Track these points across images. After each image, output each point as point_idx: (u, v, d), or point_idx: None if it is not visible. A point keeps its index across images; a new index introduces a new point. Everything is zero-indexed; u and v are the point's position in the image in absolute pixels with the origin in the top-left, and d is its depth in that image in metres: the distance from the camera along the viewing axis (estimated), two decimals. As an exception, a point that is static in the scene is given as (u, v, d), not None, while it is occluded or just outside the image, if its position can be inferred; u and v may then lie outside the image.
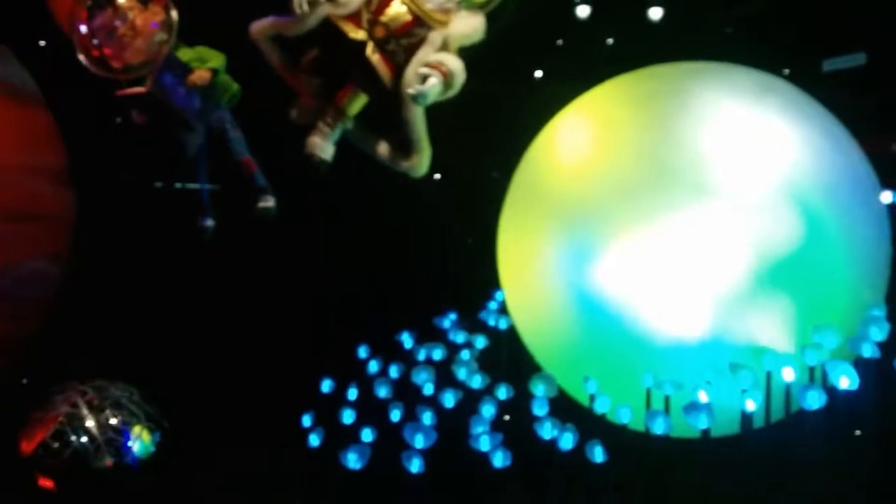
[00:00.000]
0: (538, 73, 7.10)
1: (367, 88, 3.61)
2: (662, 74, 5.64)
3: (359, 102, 3.64)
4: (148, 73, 4.13)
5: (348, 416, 5.84)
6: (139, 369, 5.84)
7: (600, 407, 5.22)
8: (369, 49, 3.56)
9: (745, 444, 4.84)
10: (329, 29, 3.59)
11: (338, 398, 6.02)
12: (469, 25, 3.50)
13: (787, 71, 6.09)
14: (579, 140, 5.71)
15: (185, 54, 4.32)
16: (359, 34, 3.58)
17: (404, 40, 3.53)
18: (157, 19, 4.11)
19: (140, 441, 5.49)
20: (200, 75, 4.24)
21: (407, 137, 3.56)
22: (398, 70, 3.53)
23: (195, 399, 5.97)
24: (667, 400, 5.01)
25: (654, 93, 5.48)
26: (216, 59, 4.35)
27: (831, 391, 4.68)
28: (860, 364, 4.76)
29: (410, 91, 3.45)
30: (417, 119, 3.54)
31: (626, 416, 5.12)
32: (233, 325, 6.39)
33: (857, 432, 4.76)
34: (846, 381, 4.62)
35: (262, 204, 4.46)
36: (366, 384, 6.03)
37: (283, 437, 5.88)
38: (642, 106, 5.46)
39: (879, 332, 4.80)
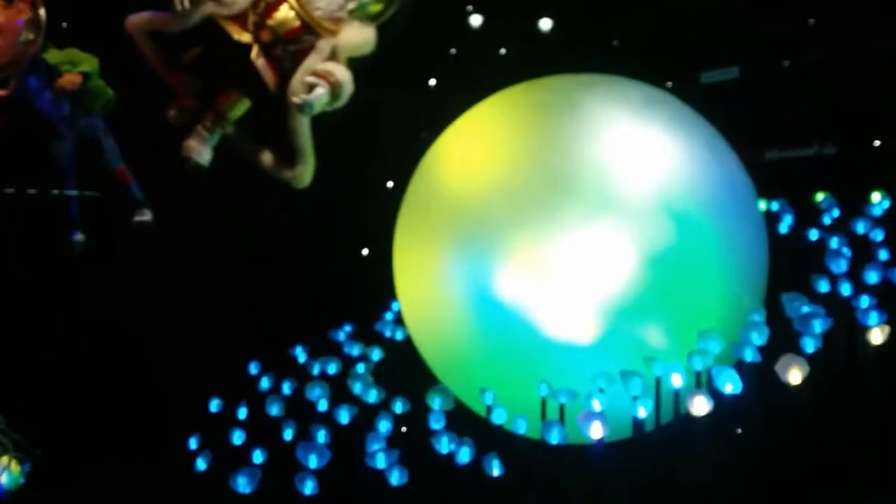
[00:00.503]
0: (432, 82, 7.09)
1: (251, 93, 3.45)
2: (555, 85, 5.72)
3: (241, 107, 3.47)
4: (11, 76, 3.83)
5: (238, 437, 5.60)
6: (6, 394, 5.39)
7: (497, 418, 5.20)
8: (254, 53, 3.41)
9: (638, 448, 4.93)
10: (212, 29, 3.41)
11: (227, 418, 5.77)
12: (359, 36, 3.41)
13: (669, 84, 6.33)
14: (474, 149, 5.72)
15: (53, 56, 4.02)
16: (244, 36, 3.42)
17: (291, 46, 3.40)
18: (22, 17, 3.81)
19: (8, 472, 5.08)
20: (70, 79, 3.97)
21: (291, 146, 3.43)
22: (284, 77, 3.40)
23: (70, 423, 5.59)
24: (562, 409, 5.04)
25: (546, 103, 5.55)
26: (88, 63, 4.07)
27: (717, 395, 4.83)
28: (742, 367, 4.95)
29: (296, 100, 3.32)
30: (303, 128, 3.41)
31: (522, 426, 5.12)
32: (111, 343, 6.02)
33: (738, 430, 4.93)
34: (731, 386, 4.78)
35: (137, 218, 4.20)
36: (257, 402, 5.81)
37: (168, 462, 5.58)
38: (535, 116, 5.52)
39: (759, 337, 5.00)
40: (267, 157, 3.51)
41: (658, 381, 4.97)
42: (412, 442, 5.28)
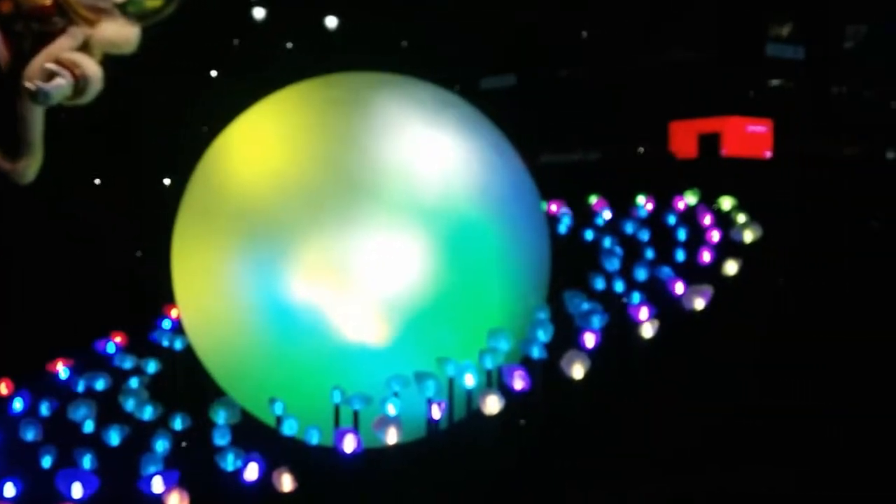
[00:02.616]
0: (214, 74, 6.67)
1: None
2: (346, 83, 5.57)
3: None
4: None
5: (-16, 470, 4.86)
6: None
7: (288, 429, 4.96)
8: (-14, 21, 2.92)
9: (433, 447, 4.93)
10: None
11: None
12: (121, 34, 3.03)
13: (457, 87, 6.45)
14: (260, 146, 5.43)
15: None
16: (-24, 1, 2.92)
17: (36, 25, 2.96)
18: None
19: None
20: None
21: (19, 136, 2.98)
22: (21, 57, 2.95)
23: None
24: (356, 415, 4.92)
25: (337, 100, 5.40)
26: None
27: (507, 391, 4.95)
28: (529, 364, 5.12)
29: (29, 85, 2.89)
30: (34, 118, 2.99)
31: (315, 436, 4.92)
32: None
33: (522, 422, 5.10)
34: (520, 382, 4.92)
35: None
36: (9, 426, 5.14)
37: None
38: (326, 113, 5.34)
39: (545, 334, 5.20)
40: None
41: (451, 382, 5.00)
42: (194, 461, 4.88)
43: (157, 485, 4.53)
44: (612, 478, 4.95)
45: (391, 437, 4.71)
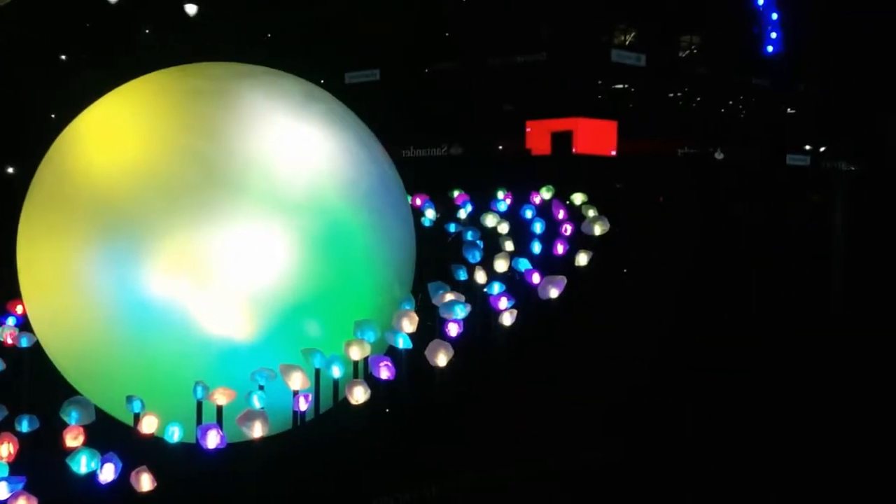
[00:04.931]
0: (63, 58, 6.29)
1: None
2: (208, 72, 5.42)
3: None
4: None
5: None
6: None
7: (146, 427, 4.80)
8: None
9: (298, 439, 4.94)
10: None
11: None
12: None
13: (322, 81, 6.43)
14: (114, 135, 5.19)
15: None
16: None
17: None
18: None
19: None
20: None
21: None
22: None
23: None
24: (219, 410, 4.84)
25: (198, 90, 5.24)
26: None
27: (374, 381, 5.04)
28: (395, 354, 5.23)
29: None
30: None
31: (176, 434, 4.79)
32: None
33: (387, 410, 5.22)
34: (386, 372, 5.02)
35: None
36: None
37: None
38: (186, 103, 5.18)
39: (410, 325, 5.32)
40: None
41: (318, 373, 5.02)
42: (44, 465, 4.63)
43: (1, 491, 4.27)
44: (477, 463, 5.16)
45: (256, 431, 4.67)
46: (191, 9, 6.33)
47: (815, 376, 6.97)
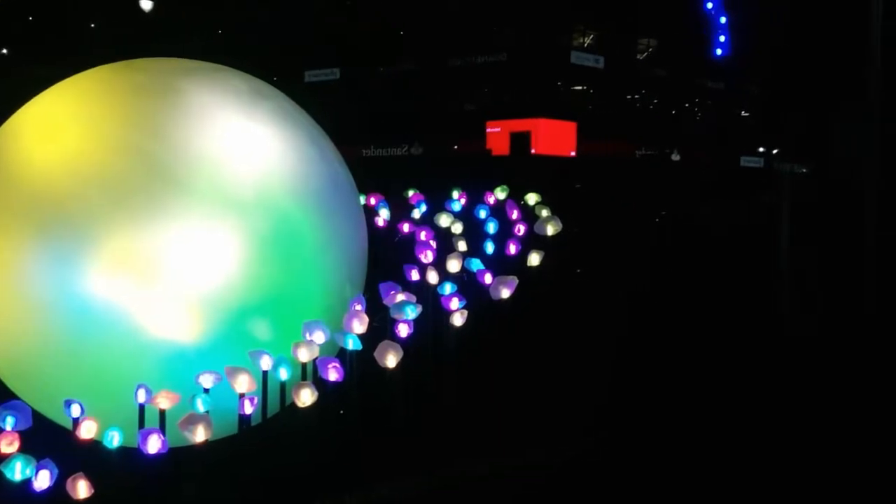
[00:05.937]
0: (5, 52, 6.08)
1: None
2: (153, 68, 5.29)
3: None
4: None
5: None
6: None
7: (85, 432, 4.65)
8: None
9: (245, 442, 4.83)
10: None
11: None
12: None
13: (275, 78, 6.32)
14: (55, 131, 5.03)
15: None
16: None
17: None
18: None
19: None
20: None
21: None
22: None
23: None
24: (162, 414, 4.71)
25: (143, 86, 5.11)
26: None
27: (322, 383, 4.96)
28: (344, 355, 5.15)
29: None
30: None
31: (116, 439, 4.65)
32: None
33: (342, 412, 5.13)
34: (335, 374, 4.93)
35: None
36: None
37: None
38: (130, 99, 5.04)
39: (360, 326, 5.24)
40: None
41: (265, 375, 4.92)
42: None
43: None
44: (428, 462, 5.11)
45: (199, 435, 4.56)
46: (146, 4, 6.17)
47: (760, 371, 7.09)
